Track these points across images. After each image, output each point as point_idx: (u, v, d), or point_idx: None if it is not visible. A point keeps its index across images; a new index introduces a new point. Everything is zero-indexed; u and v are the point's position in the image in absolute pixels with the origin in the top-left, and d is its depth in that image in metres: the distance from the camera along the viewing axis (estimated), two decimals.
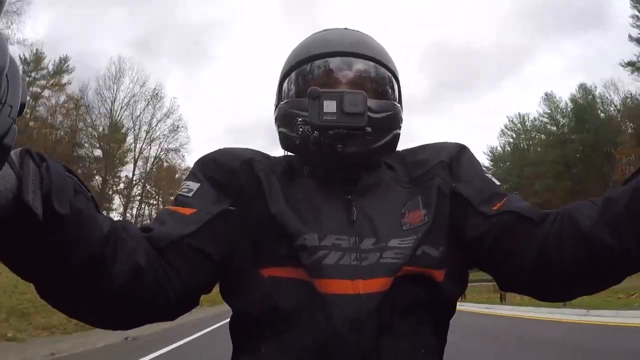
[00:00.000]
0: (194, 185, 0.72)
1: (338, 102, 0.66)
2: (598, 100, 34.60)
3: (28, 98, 0.39)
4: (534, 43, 53.48)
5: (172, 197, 0.74)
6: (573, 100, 35.72)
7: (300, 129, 0.68)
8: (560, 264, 0.64)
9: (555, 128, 37.03)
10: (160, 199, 34.38)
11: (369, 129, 0.67)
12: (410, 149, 0.83)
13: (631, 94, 30.91)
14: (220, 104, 65.80)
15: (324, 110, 0.66)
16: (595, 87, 34.66)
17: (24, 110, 0.38)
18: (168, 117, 32.55)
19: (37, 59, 27.11)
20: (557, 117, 36.72)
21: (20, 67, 0.37)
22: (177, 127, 32.47)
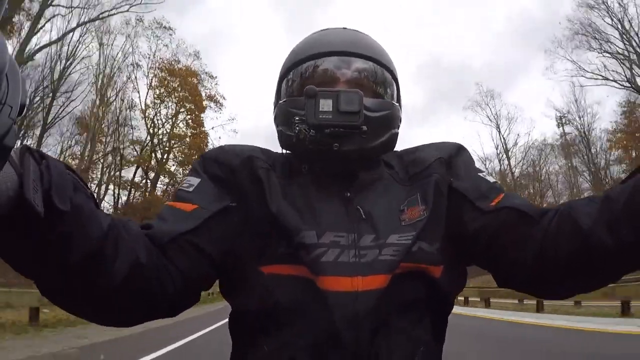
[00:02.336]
0: (195, 181, 0.73)
1: (334, 101, 0.67)
2: None
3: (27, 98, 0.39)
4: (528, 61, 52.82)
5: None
6: None
7: (297, 128, 0.69)
8: (558, 260, 0.64)
9: None
10: None
11: (364, 128, 0.68)
12: (408, 148, 0.83)
13: None
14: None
15: (320, 109, 0.67)
16: None
17: (24, 110, 0.38)
18: None
19: None
20: None
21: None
22: None
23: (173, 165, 31.39)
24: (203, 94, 31.32)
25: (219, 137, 31.44)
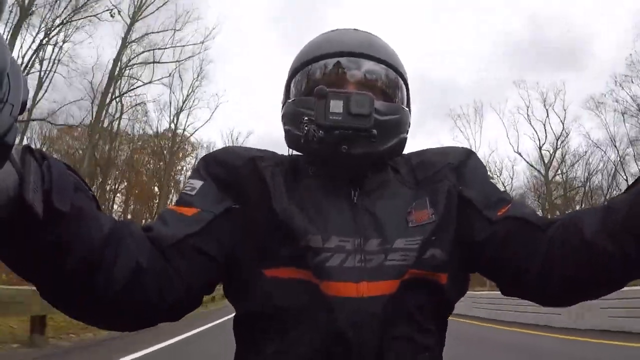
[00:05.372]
0: (197, 183, 0.72)
1: (345, 103, 0.66)
2: None
3: (29, 96, 0.39)
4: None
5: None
6: None
7: (306, 128, 0.68)
8: (563, 270, 0.64)
9: None
10: None
11: (374, 131, 0.67)
12: (416, 151, 0.82)
13: None
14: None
15: (330, 110, 0.66)
16: None
17: (25, 109, 0.37)
18: None
19: None
20: None
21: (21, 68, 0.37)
22: None
23: None
24: None
25: None
